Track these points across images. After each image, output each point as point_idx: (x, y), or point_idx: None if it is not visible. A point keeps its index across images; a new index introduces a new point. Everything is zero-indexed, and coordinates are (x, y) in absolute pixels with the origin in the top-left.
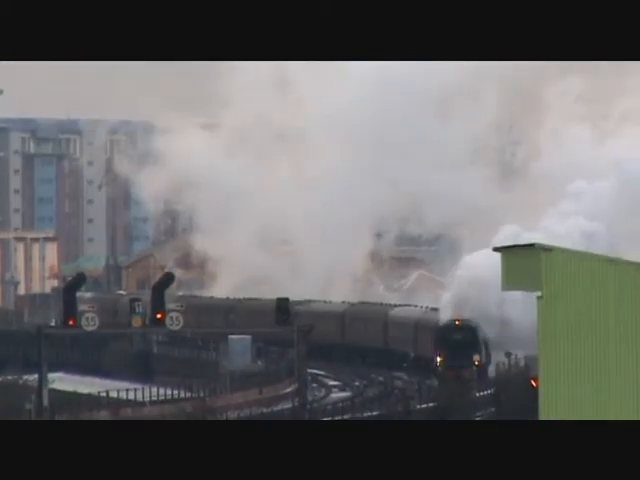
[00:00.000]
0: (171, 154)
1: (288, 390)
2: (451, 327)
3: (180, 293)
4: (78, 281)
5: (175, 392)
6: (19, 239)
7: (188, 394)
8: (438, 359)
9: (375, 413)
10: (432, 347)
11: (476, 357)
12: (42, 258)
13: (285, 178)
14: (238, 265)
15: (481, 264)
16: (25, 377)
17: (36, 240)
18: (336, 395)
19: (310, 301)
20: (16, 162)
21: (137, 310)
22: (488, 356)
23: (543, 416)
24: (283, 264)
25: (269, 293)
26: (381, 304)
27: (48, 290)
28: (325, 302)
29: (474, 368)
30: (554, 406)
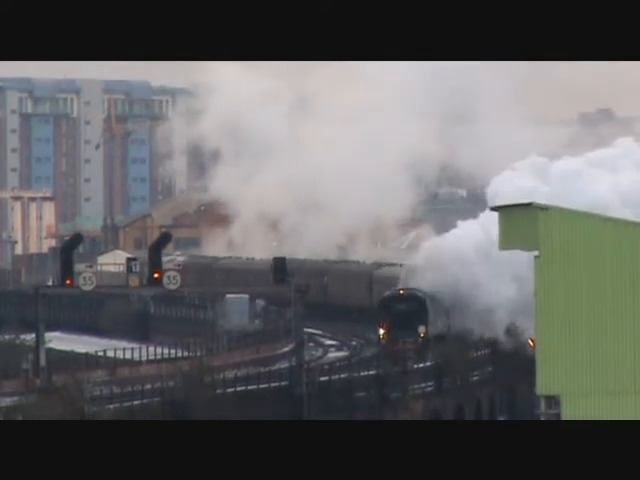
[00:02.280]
0: (217, 98)
1: (285, 350)
2: (395, 297)
3: (178, 252)
4: (75, 241)
5: (172, 351)
6: (16, 198)
7: (185, 353)
8: (381, 331)
9: (372, 372)
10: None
11: (421, 329)
12: (39, 218)
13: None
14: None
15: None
16: (22, 337)
17: (33, 199)
18: (333, 355)
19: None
20: (13, 121)
21: (134, 269)
22: (448, 326)
23: (540, 373)
24: (310, 216)
25: (289, 249)
26: (366, 263)
27: (45, 250)
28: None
29: (419, 340)
30: (550, 363)
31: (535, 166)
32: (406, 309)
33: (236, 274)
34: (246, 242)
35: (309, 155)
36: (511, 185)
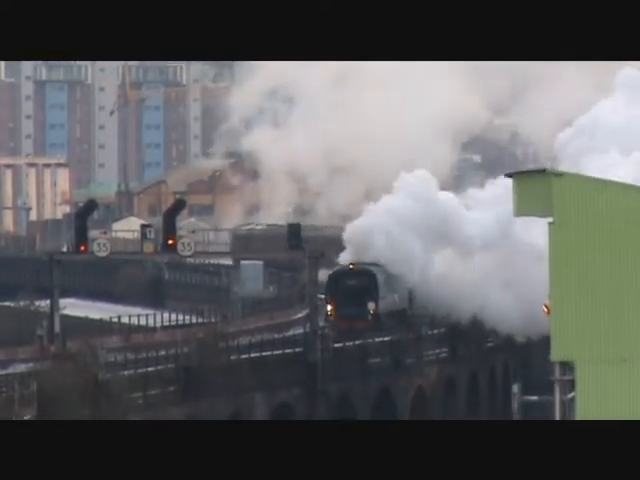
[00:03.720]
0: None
1: (299, 316)
2: (344, 272)
3: (192, 219)
4: (89, 207)
5: (187, 318)
6: (31, 165)
7: (200, 320)
8: (329, 308)
9: (387, 339)
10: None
11: (371, 305)
12: (54, 184)
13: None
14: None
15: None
16: (37, 303)
17: (48, 166)
18: None
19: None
20: (28, 88)
21: (149, 236)
22: (410, 301)
23: (554, 339)
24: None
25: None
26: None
27: (60, 216)
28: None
29: (369, 318)
30: (565, 329)
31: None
32: (356, 284)
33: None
34: (271, 197)
35: (345, 118)
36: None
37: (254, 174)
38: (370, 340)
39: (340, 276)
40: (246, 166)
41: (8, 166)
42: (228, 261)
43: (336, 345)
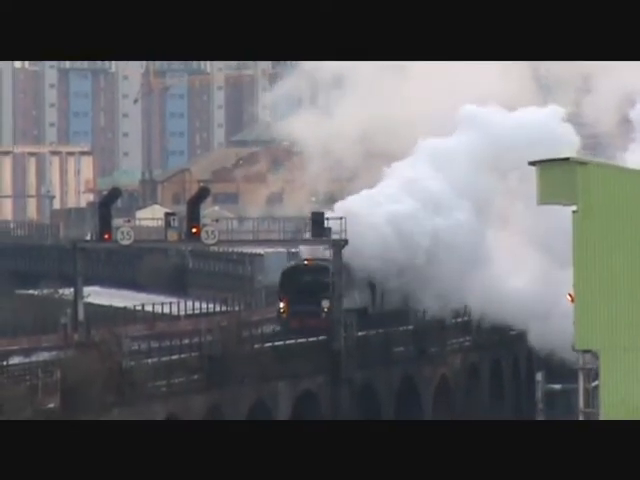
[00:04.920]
0: None
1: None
2: (299, 268)
3: (216, 208)
4: (113, 195)
5: (210, 306)
6: (54, 153)
7: (223, 308)
8: (281, 305)
9: (410, 327)
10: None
11: (325, 303)
12: (77, 172)
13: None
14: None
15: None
16: (61, 291)
17: (71, 154)
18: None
19: None
20: (52, 76)
21: (172, 224)
22: (372, 300)
23: (578, 327)
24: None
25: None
26: None
27: (83, 204)
28: None
29: (323, 316)
30: (589, 317)
31: None
32: (310, 281)
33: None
34: (301, 183)
35: (387, 104)
36: None
37: (282, 160)
38: (393, 329)
39: (294, 272)
40: (274, 153)
41: (32, 154)
42: (252, 250)
43: (360, 333)
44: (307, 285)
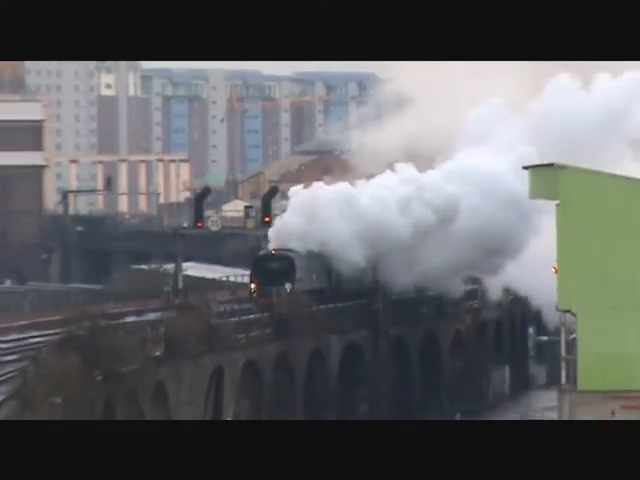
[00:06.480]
0: None
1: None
2: (267, 257)
3: (284, 202)
4: (205, 193)
5: None
6: (159, 160)
7: None
8: (252, 286)
9: (432, 293)
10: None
11: (287, 286)
12: (177, 175)
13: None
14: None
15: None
16: (164, 266)
17: (173, 161)
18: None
19: None
20: (157, 102)
21: (250, 215)
22: (327, 282)
23: (559, 294)
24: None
25: None
26: None
27: (182, 200)
28: None
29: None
30: (568, 286)
31: None
32: (276, 268)
33: None
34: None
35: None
36: None
37: (333, 167)
38: (420, 294)
39: (263, 260)
40: (327, 160)
41: (142, 161)
42: None
43: (393, 298)
44: (273, 271)
